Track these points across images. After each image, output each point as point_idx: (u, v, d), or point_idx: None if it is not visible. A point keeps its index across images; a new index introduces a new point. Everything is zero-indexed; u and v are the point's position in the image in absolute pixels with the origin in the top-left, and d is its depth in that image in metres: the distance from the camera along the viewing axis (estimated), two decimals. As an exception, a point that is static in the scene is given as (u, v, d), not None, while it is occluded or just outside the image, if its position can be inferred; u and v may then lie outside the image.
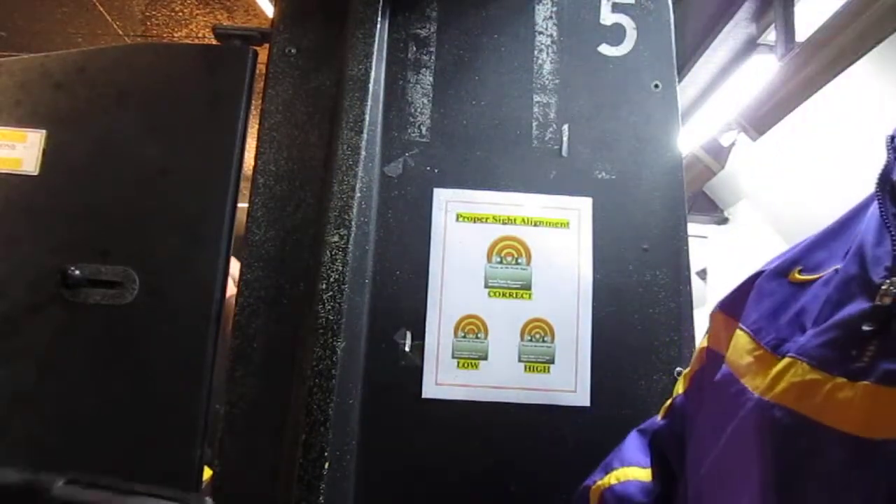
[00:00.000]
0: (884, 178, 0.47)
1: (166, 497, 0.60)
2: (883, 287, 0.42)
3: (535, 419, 1.09)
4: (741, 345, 0.54)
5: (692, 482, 0.57)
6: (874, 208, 0.48)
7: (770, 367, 0.48)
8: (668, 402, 0.69)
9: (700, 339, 0.66)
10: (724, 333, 0.58)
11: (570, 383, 1.10)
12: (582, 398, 1.10)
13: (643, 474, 0.65)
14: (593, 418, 1.10)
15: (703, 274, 5.66)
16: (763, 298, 0.55)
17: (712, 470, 0.53)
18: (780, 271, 0.56)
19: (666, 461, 0.65)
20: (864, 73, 3.16)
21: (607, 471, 0.69)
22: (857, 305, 0.43)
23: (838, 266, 0.50)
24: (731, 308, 0.59)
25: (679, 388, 0.67)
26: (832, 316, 0.46)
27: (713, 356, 0.59)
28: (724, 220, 5.31)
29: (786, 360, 0.46)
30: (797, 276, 0.54)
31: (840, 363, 0.42)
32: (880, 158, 0.51)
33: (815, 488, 0.42)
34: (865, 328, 0.42)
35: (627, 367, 1.12)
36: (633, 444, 0.69)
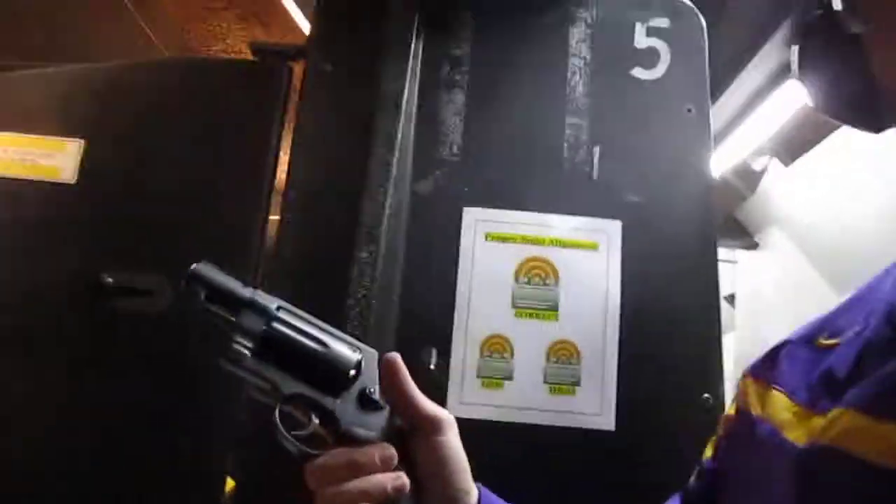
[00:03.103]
0: None
1: (353, 343, 0.64)
2: None
3: (559, 442, 1.08)
4: (779, 404, 0.61)
5: None
6: None
7: (808, 421, 0.55)
8: (699, 467, 0.75)
9: (728, 408, 0.74)
10: (755, 397, 0.66)
11: (595, 406, 1.09)
12: (607, 422, 1.09)
13: None
14: (618, 442, 1.09)
15: (731, 299, 5.59)
16: (795, 363, 0.63)
17: None
18: (808, 338, 0.64)
19: None
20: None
21: None
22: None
23: (859, 329, 0.57)
24: (761, 373, 0.67)
25: (708, 453, 0.74)
26: (871, 370, 0.52)
27: (745, 417, 0.66)
28: (755, 245, 5.25)
29: (838, 411, 0.52)
30: (822, 341, 0.62)
31: (889, 409, 0.48)
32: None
33: None
34: None
35: (654, 392, 1.11)
36: (672, 502, 0.76)
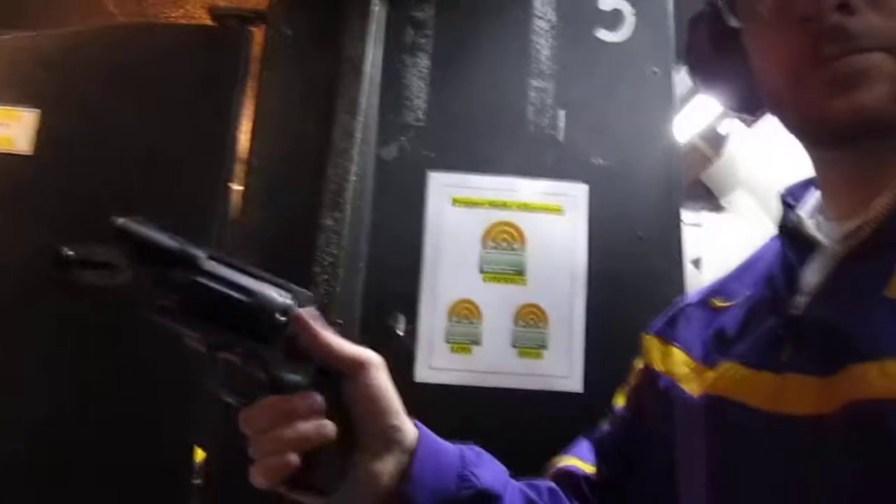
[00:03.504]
0: (782, 225, 0.63)
1: (287, 287, 0.65)
2: (790, 302, 0.57)
3: (527, 404, 1.09)
4: (678, 359, 0.69)
5: (648, 478, 0.73)
6: (778, 247, 0.64)
7: (702, 374, 0.63)
8: (610, 414, 0.82)
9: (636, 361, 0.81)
10: (657, 353, 0.74)
11: (562, 369, 1.10)
12: (574, 384, 1.10)
13: (586, 467, 0.79)
14: (585, 404, 1.10)
15: (697, 262, 5.66)
16: (692, 322, 0.71)
17: (671, 461, 0.67)
18: (703, 301, 0.72)
19: (610, 461, 0.78)
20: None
21: (560, 457, 0.83)
22: (774, 318, 0.58)
23: (748, 293, 0.65)
24: (663, 332, 0.75)
25: (620, 402, 0.81)
26: (754, 328, 0.60)
27: (650, 372, 0.74)
28: (720, 209, 5.31)
29: (725, 364, 0.60)
30: (716, 303, 0.69)
31: (766, 361, 0.56)
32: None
33: (748, 455, 0.55)
34: (781, 333, 0.56)
35: (620, 354, 1.12)
36: (583, 445, 0.82)
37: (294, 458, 0.59)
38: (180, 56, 1.27)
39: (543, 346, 1.11)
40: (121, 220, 0.61)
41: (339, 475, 0.62)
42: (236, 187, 1.21)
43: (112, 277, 1.18)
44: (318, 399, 0.61)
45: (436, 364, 1.09)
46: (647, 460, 0.73)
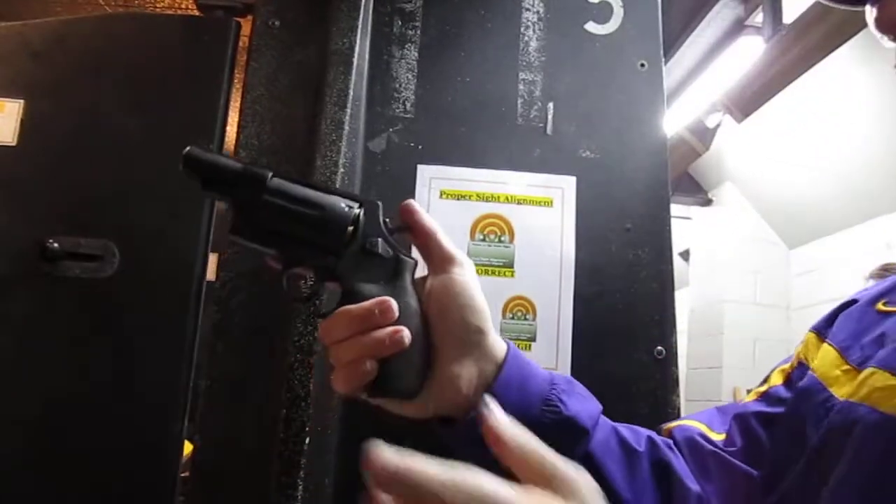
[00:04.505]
0: None
1: (354, 198, 0.66)
2: None
3: (515, 396, 1.10)
4: (830, 359, 0.64)
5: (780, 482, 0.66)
6: None
7: (854, 378, 0.59)
8: (762, 388, 0.76)
9: (797, 347, 0.76)
10: (813, 350, 0.69)
11: (551, 361, 1.11)
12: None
13: (712, 433, 0.73)
14: (573, 396, 1.10)
15: (685, 255, 5.69)
16: (852, 322, 0.67)
17: (802, 471, 0.61)
18: (871, 301, 0.67)
19: (751, 435, 0.71)
20: (847, 57, 3.18)
21: (681, 419, 0.78)
22: None
23: None
24: (821, 329, 0.71)
25: (777, 380, 0.75)
26: None
27: (804, 368, 0.70)
28: (708, 202, 5.34)
29: (868, 370, 0.57)
30: (882, 306, 0.65)
31: None
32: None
33: (867, 462, 0.52)
34: None
35: (608, 346, 1.13)
36: (711, 412, 0.78)
37: (370, 366, 0.58)
38: (167, 47, 1.26)
39: (532, 339, 1.11)
40: (189, 148, 0.65)
41: (417, 380, 0.62)
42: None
43: (99, 271, 1.18)
44: (393, 305, 0.60)
45: (424, 356, 1.09)
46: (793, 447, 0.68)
